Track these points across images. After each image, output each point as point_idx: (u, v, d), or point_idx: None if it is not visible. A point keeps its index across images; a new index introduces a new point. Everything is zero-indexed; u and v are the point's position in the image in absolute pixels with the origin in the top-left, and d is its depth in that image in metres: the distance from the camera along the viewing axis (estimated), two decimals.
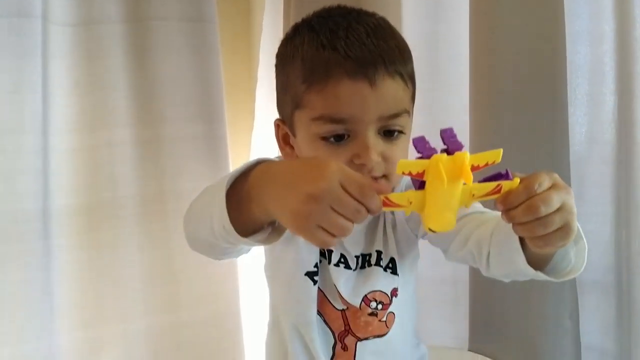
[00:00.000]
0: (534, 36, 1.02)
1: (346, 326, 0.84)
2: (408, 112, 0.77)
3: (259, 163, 0.65)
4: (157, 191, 1.30)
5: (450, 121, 1.14)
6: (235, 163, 1.42)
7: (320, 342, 0.83)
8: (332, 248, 0.82)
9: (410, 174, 0.57)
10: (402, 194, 0.59)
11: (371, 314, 0.83)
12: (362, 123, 0.73)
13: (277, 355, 0.88)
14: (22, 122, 1.15)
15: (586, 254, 0.67)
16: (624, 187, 0.97)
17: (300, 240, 0.80)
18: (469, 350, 1.16)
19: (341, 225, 0.56)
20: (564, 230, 0.60)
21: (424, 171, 0.57)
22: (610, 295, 1.02)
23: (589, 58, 1.02)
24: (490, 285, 1.03)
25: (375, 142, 0.73)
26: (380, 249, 0.84)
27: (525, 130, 1.04)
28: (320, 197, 0.56)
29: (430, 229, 0.59)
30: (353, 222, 0.57)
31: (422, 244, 0.86)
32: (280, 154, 0.85)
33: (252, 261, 1.31)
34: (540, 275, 0.67)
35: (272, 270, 0.88)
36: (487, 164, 0.57)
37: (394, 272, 0.84)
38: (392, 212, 0.83)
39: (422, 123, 1.14)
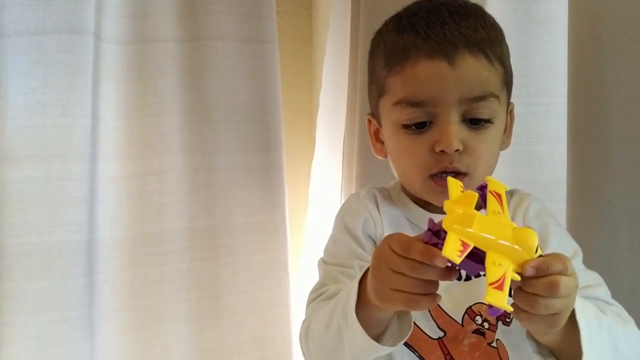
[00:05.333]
0: None
1: (447, 356, 0.69)
2: (497, 97, 0.72)
3: (360, 281, 0.65)
4: (207, 225, 1.19)
5: (543, 150, 1.01)
6: (292, 194, 1.31)
7: None
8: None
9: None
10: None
11: (476, 332, 0.69)
12: (442, 106, 0.70)
13: None
14: (70, 147, 1.06)
15: None
16: None
17: None
18: None
19: (407, 282, 0.56)
20: (556, 317, 0.57)
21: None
22: None
23: None
24: None
25: (456, 127, 0.70)
26: None
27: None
28: (378, 265, 0.59)
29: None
30: (419, 278, 0.56)
31: None
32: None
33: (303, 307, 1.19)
34: None
35: None
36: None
37: None
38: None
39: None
